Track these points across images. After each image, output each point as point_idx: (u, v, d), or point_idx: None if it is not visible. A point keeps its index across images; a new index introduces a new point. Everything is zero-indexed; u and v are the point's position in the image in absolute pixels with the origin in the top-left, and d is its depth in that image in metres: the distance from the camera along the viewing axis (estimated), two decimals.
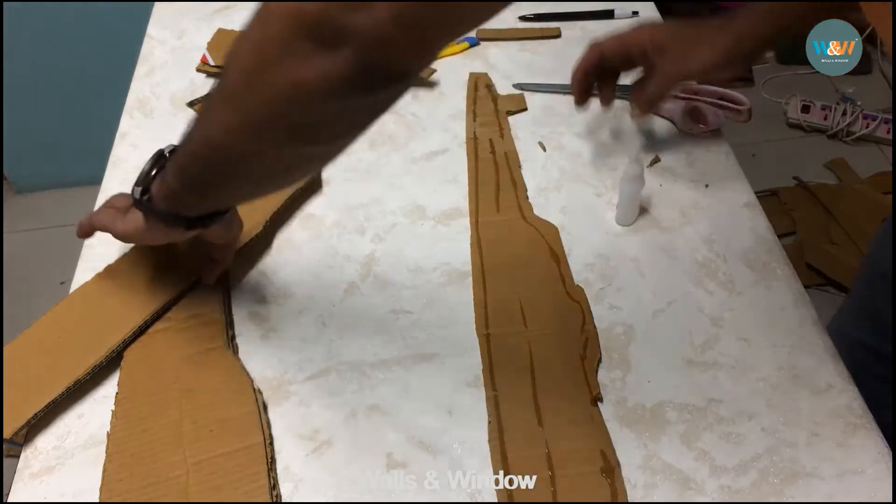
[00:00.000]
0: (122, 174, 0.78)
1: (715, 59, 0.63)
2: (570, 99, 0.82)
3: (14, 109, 1.70)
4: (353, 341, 0.62)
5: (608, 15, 0.93)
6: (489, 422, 0.55)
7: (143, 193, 0.54)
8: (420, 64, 0.40)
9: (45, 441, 0.57)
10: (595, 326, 0.61)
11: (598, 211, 0.71)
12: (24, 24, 1.57)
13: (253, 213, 0.67)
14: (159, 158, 0.54)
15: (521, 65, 0.89)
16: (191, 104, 0.82)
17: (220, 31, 0.93)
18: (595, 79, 0.70)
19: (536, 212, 0.71)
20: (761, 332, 0.60)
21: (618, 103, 0.81)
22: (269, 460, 0.53)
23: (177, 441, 0.54)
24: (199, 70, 0.89)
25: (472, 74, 0.86)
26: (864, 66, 2.03)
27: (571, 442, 0.54)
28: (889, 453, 0.52)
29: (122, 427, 0.56)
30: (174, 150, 0.52)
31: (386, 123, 0.82)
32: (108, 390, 0.59)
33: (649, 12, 0.94)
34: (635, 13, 0.93)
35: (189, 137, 0.47)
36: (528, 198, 0.72)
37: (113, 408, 0.57)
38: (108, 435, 0.55)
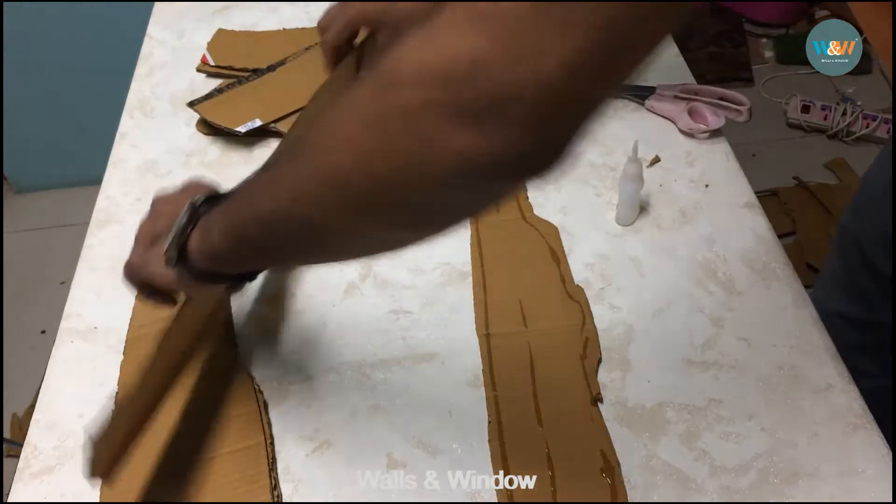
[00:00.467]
0: (122, 174, 0.78)
1: None
2: None
3: (14, 109, 1.70)
4: (353, 341, 0.62)
5: None
6: (489, 422, 0.55)
7: (179, 254, 0.46)
8: (579, 133, 0.31)
9: (45, 441, 0.57)
10: (595, 326, 0.61)
11: (598, 211, 0.71)
12: (24, 24, 1.57)
13: None
14: (193, 213, 0.47)
15: None
16: (191, 104, 0.82)
17: (220, 31, 0.93)
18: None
19: (536, 212, 0.71)
20: (761, 332, 0.60)
21: (618, 103, 0.81)
22: (270, 460, 0.53)
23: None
24: (199, 70, 0.89)
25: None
26: (864, 66, 2.03)
27: (571, 442, 0.54)
28: (889, 453, 0.52)
29: None
30: (211, 203, 0.46)
31: None
32: (108, 390, 0.59)
33: None
34: None
35: (250, 202, 0.42)
36: (527, 198, 0.72)
37: (113, 408, 0.57)
38: None
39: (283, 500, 0.52)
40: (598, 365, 0.58)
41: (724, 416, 0.55)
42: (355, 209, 0.34)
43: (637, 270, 0.66)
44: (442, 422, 0.56)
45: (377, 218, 0.35)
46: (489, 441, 0.54)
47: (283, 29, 0.93)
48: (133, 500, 0.52)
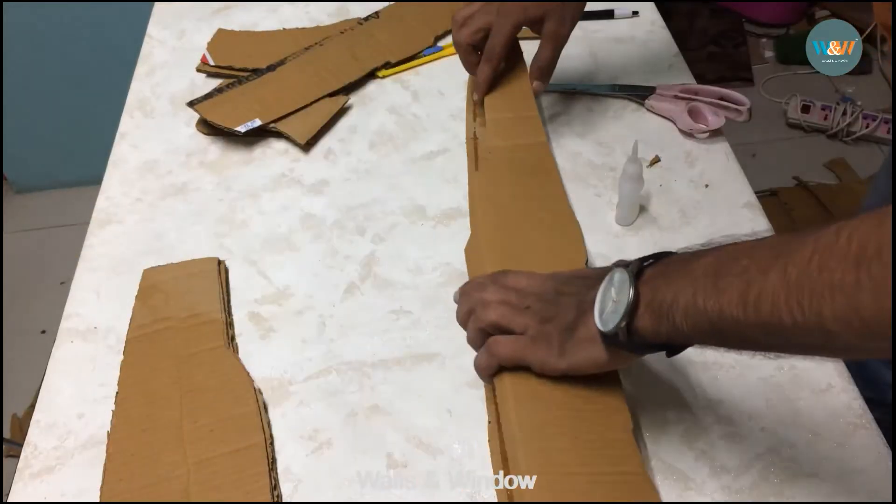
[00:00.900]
0: (122, 174, 0.78)
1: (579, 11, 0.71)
2: (570, 99, 0.82)
3: (14, 109, 1.70)
4: (353, 341, 0.62)
5: (608, 15, 0.93)
6: (489, 422, 0.55)
7: (628, 330, 0.44)
8: None
9: (45, 441, 0.57)
10: None
11: (598, 211, 0.71)
12: (25, 24, 1.57)
13: None
14: (635, 289, 0.44)
15: None
16: (191, 104, 0.82)
17: (220, 31, 0.93)
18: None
19: None
20: None
21: (618, 103, 0.81)
22: (270, 460, 0.53)
23: (177, 441, 0.54)
24: (199, 70, 0.89)
25: (472, 74, 0.86)
26: (864, 66, 2.03)
27: None
28: (889, 453, 0.52)
29: (122, 427, 0.56)
30: (643, 269, 0.45)
31: (386, 123, 0.82)
32: (108, 390, 0.59)
33: (649, 12, 0.94)
34: (635, 13, 0.93)
35: (736, 301, 0.38)
36: None
37: (113, 408, 0.57)
38: (109, 435, 0.55)
39: (283, 500, 0.52)
40: None
41: (724, 416, 0.55)
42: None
43: None
44: (442, 422, 0.56)
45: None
46: (489, 441, 0.54)
47: (283, 29, 0.93)
48: (133, 500, 0.52)
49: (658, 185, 0.72)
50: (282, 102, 0.81)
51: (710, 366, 0.58)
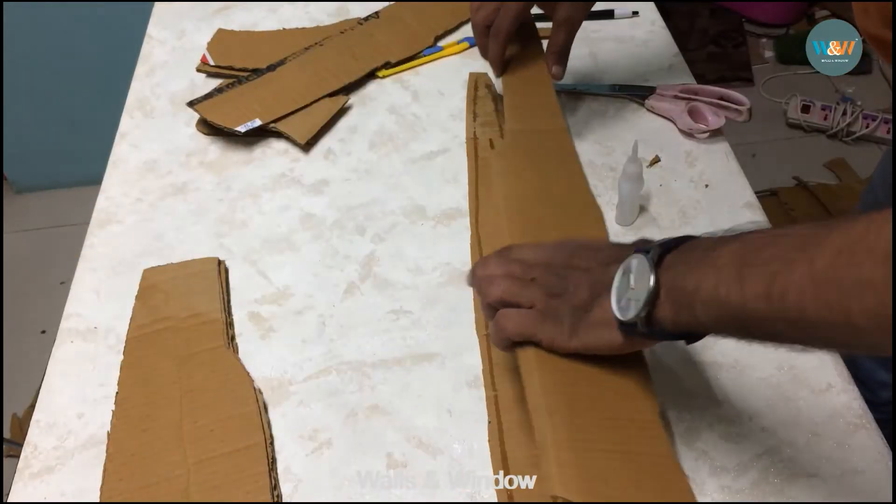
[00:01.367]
0: (122, 174, 0.78)
1: None
2: (570, 99, 0.82)
3: (14, 109, 1.70)
4: (353, 341, 0.62)
5: (608, 15, 0.93)
6: (489, 422, 0.55)
7: (647, 319, 0.43)
8: None
9: (45, 441, 0.57)
10: None
11: None
12: (25, 24, 1.57)
13: None
14: (656, 277, 0.42)
15: None
16: (191, 104, 0.82)
17: (220, 31, 0.93)
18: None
19: None
20: None
21: (618, 103, 0.81)
22: (270, 460, 0.53)
23: (177, 441, 0.54)
24: (199, 70, 0.89)
25: (471, 74, 0.86)
26: (864, 66, 2.04)
27: None
28: (889, 453, 0.52)
29: (122, 427, 0.56)
30: (663, 255, 0.43)
31: (386, 123, 0.82)
32: (108, 390, 0.59)
33: (649, 12, 0.94)
34: (635, 13, 0.93)
35: (761, 292, 0.37)
36: None
37: (113, 408, 0.57)
38: (108, 435, 0.55)
39: (283, 500, 0.52)
40: None
41: (724, 416, 0.55)
42: None
43: None
44: (442, 422, 0.56)
45: None
46: (489, 441, 0.54)
47: (283, 29, 0.93)
48: (133, 500, 0.52)
49: (658, 185, 0.72)
50: (282, 102, 0.81)
51: (711, 366, 0.58)
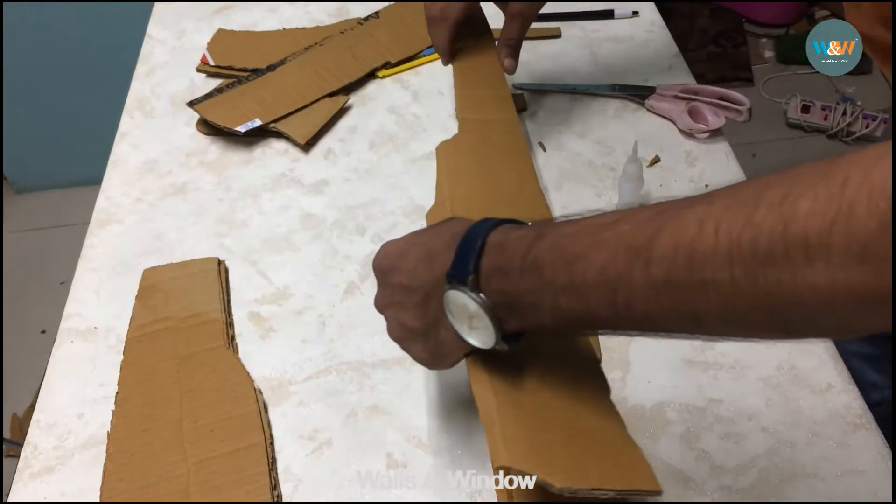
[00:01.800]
0: (122, 174, 0.78)
1: None
2: (570, 99, 0.82)
3: (14, 109, 1.70)
4: (353, 341, 0.62)
5: (608, 15, 0.93)
6: None
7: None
8: None
9: (45, 441, 0.57)
10: None
11: (598, 211, 0.71)
12: (25, 23, 1.57)
13: None
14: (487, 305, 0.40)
15: (521, 65, 0.89)
16: (191, 104, 0.82)
17: (220, 31, 0.93)
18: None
19: None
20: None
21: (618, 103, 0.81)
22: (270, 460, 0.53)
23: (177, 441, 0.54)
24: (199, 70, 0.89)
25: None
26: (864, 66, 2.03)
27: None
28: (889, 453, 0.52)
29: (122, 427, 0.56)
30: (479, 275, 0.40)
31: (386, 123, 0.82)
32: (108, 390, 0.59)
33: (649, 12, 0.94)
34: (635, 13, 0.93)
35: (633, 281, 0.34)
36: None
37: (113, 408, 0.57)
38: (108, 435, 0.55)
39: (283, 500, 0.52)
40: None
41: (724, 416, 0.55)
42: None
43: None
44: (442, 422, 0.56)
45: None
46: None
47: (283, 29, 0.93)
48: (133, 500, 0.52)
49: (658, 185, 0.72)
50: (282, 102, 0.81)
51: (710, 366, 0.58)
